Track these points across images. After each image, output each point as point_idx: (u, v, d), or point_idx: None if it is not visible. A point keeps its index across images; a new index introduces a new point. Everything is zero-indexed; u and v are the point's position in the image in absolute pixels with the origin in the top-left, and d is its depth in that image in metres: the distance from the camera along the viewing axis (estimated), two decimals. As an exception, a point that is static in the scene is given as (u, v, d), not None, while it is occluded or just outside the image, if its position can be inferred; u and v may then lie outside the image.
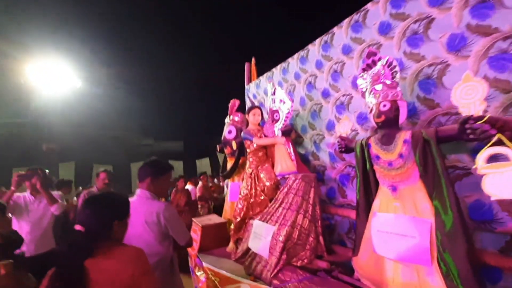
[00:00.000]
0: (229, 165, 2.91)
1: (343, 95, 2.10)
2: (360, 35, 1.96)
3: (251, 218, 2.26)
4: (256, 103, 3.31)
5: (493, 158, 0.98)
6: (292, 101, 2.18)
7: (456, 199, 1.12)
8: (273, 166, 2.31)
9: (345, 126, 1.76)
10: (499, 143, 0.95)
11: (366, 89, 1.54)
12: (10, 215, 2.44)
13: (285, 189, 1.95)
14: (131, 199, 1.56)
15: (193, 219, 2.66)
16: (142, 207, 1.54)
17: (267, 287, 1.61)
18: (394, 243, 1.27)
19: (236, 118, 2.92)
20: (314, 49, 2.41)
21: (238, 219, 2.31)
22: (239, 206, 2.35)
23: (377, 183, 1.48)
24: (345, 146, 1.67)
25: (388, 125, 1.39)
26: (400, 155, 1.32)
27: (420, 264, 1.18)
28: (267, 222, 1.93)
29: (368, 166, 1.51)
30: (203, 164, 12.48)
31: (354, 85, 1.98)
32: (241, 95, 3.43)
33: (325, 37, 2.29)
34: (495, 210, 1.20)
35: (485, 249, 1.23)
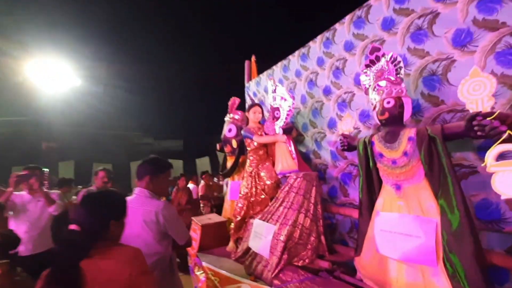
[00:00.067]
0: (229, 163, 2.88)
1: (345, 93, 2.07)
2: (362, 31, 1.93)
3: (252, 217, 2.24)
4: (256, 101, 3.28)
5: (503, 156, 0.94)
6: (293, 98, 2.15)
7: (463, 198, 1.09)
8: (273, 164, 2.29)
9: (348, 124, 1.73)
10: (509, 140, 0.92)
11: (369, 85, 1.51)
12: (11, 212, 2.41)
13: (286, 188, 1.92)
14: (129, 198, 1.53)
15: (193, 218, 2.64)
16: (140, 206, 1.51)
17: (267, 287, 1.58)
18: (398, 243, 1.24)
19: (236, 116, 2.89)
20: (315, 46, 2.38)
21: (238, 218, 2.29)
22: (239, 205, 2.32)
23: (380, 182, 1.45)
24: (348, 144, 1.65)
25: (392, 122, 1.36)
26: (405, 153, 1.28)
27: (425, 265, 1.15)
28: (267, 221, 1.90)
29: (371, 164, 1.48)
30: (203, 163, 12.45)
31: (356, 82, 1.96)
32: (241, 94, 3.40)
33: (326, 34, 2.25)
34: (503, 209, 1.17)
35: (492, 249, 1.20)
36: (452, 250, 1.08)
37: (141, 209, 1.49)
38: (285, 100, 2.15)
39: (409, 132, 1.29)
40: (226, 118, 2.95)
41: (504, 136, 0.93)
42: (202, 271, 2.11)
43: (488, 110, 1.02)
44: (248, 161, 2.43)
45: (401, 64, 1.39)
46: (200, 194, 5.44)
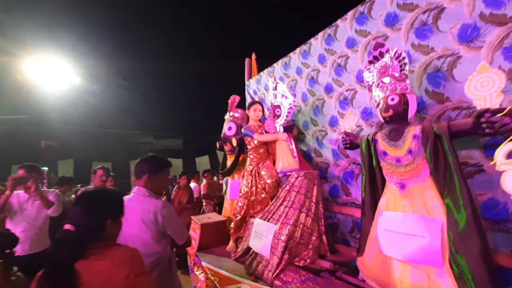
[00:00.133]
0: (229, 162, 2.85)
1: (347, 90, 2.04)
2: (365, 27, 1.89)
3: (252, 216, 2.21)
4: (257, 99, 3.24)
5: (513, 154, 0.91)
6: (294, 95, 2.12)
7: (470, 197, 1.06)
8: (274, 163, 2.26)
9: (350, 121, 1.70)
10: None
11: (373, 82, 1.48)
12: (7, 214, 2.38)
13: (287, 187, 1.89)
14: (127, 197, 1.50)
15: (192, 217, 2.61)
16: (138, 205, 1.48)
17: (268, 288, 1.56)
18: (402, 243, 1.21)
19: (236, 115, 2.86)
20: (316, 43, 2.34)
21: (238, 217, 2.26)
22: (239, 204, 2.29)
23: (383, 181, 1.42)
24: (350, 142, 1.62)
25: (396, 119, 1.33)
26: (409, 151, 1.25)
27: (430, 266, 1.12)
28: (268, 221, 1.88)
29: (374, 162, 1.45)
30: (203, 162, 12.43)
31: (359, 79, 1.92)
32: (241, 92, 3.37)
33: (328, 30, 2.22)
34: (511, 209, 1.14)
35: (498, 249, 1.17)
36: (458, 250, 1.05)
37: (139, 208, 1.46)
38: (286, 97, 2.12)
39: (414, 130, 1.26)
40: (226, 116, 2.92)
41: (515, 133, 0.90)
42: (201, 271, 2.08)
43: (497, 106, 0.99)
44: (248, 159, 2.40)
45: (406, 60, 1.35)
46: (202, 193, 5.40)
